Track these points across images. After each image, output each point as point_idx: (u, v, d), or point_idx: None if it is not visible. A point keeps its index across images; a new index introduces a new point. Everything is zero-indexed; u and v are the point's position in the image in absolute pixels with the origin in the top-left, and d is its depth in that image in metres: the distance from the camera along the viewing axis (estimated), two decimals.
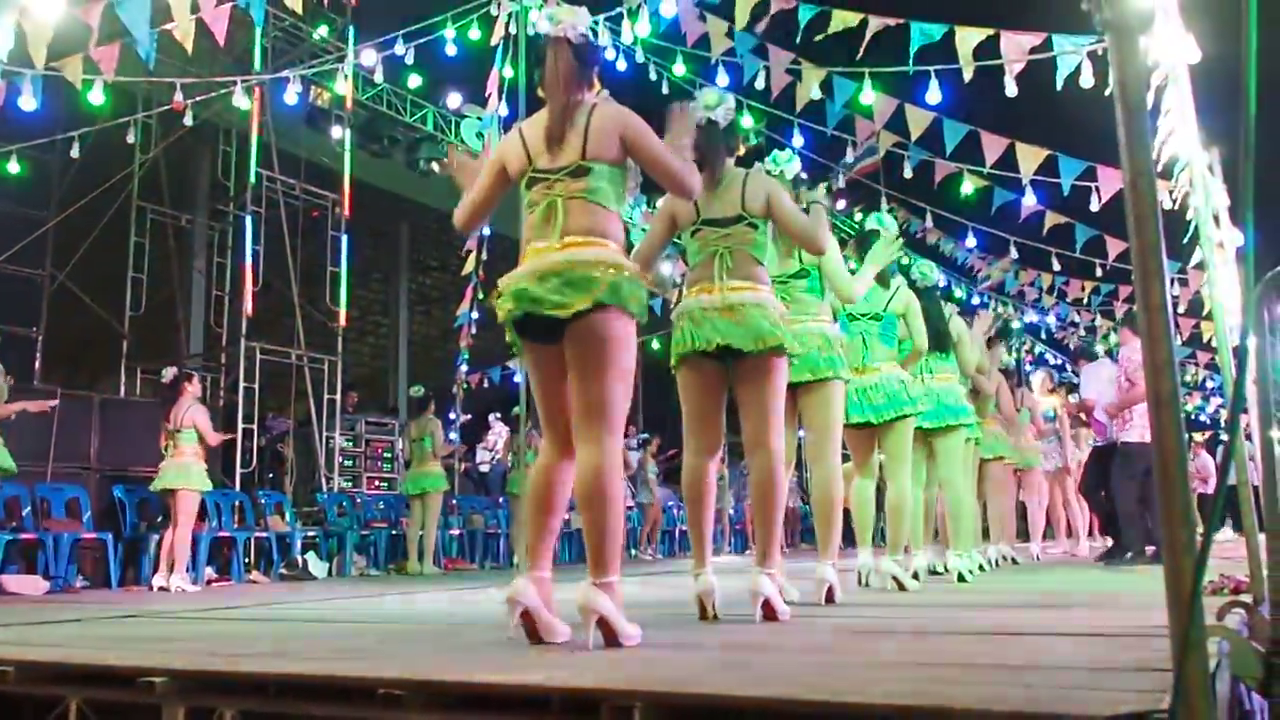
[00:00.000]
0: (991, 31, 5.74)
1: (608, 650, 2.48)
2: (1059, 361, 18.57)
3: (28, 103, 6.24)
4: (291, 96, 8.32)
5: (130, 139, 8.23)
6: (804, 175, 4.36)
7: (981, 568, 5.77)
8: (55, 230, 9.29)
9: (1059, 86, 5.66)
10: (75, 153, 7.83)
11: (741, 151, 3.65)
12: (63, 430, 7.67)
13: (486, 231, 10.27)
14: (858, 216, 4.72)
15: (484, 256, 10.49)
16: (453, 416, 11.67)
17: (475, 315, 10.93)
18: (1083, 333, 15.90)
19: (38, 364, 9.20)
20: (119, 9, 5.53)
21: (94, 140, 7.98)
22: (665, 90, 8.44)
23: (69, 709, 2.34)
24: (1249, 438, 6.15)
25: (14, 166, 7.81)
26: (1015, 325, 17.35)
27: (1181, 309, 12.71)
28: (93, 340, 10.54)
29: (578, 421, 2.69)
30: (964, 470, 5.61)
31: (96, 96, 6.92)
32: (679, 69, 8.20)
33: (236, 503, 8.62)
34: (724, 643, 2.73)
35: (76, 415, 7.94)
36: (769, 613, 3.20)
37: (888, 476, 4.86)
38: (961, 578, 5.22)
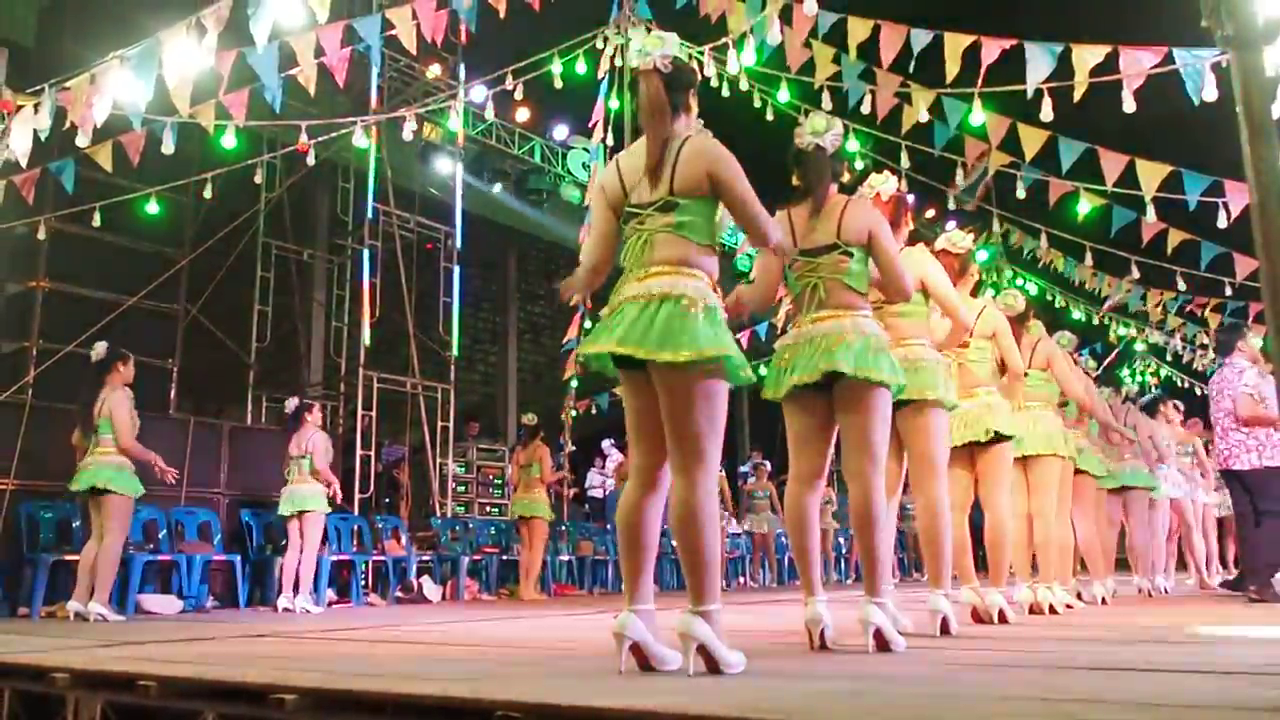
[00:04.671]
0: (1110, 49, 5.58)
1: (716, 678, 2.49)
2: (1187, 385, 17.79)
3: (167, 148, 6.61)
4: (407, 134, 8.61)
5: (257, 179, 8.63)
6: (910, 199, 4.28)
7: (1069, 605, 5.50)
8: (189, 267, 9.78)
9: (1196, 103, 5.44)
10: (208, 193, 8.24)
11: (846, 178, 3.61)
12: (195, 457, 8.05)
13: None
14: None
15: None
16: (562, 443, 11.83)
17: (582, 342, 11.07)
18: (1212, 355, 15.18)
19: (173, 394, 9.68)
20: (250, 57, 5.83)
21: (224, 181, 8.41)
22: (770, 117, 8.44)
23: None
24: None
25: (153, 208, 8.26)
26: (1139, 347, 16.74)
27: None
28: (222, 371, 11.04)
29: (671, 453, 2.70)
30: (1057, 501, 5.37)
31: (228, 140, 7.31)
32: (783, 95, 8.19)
33: (355, 527, 8.89)
34: (836, 673, 2.70)
35: (207, 442, 8.33)
36: (881, 643, 3.14)
37: (984, 504, 4.70)
38: (1053, 609, 5.04)
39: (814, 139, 3.42)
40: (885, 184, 4.11)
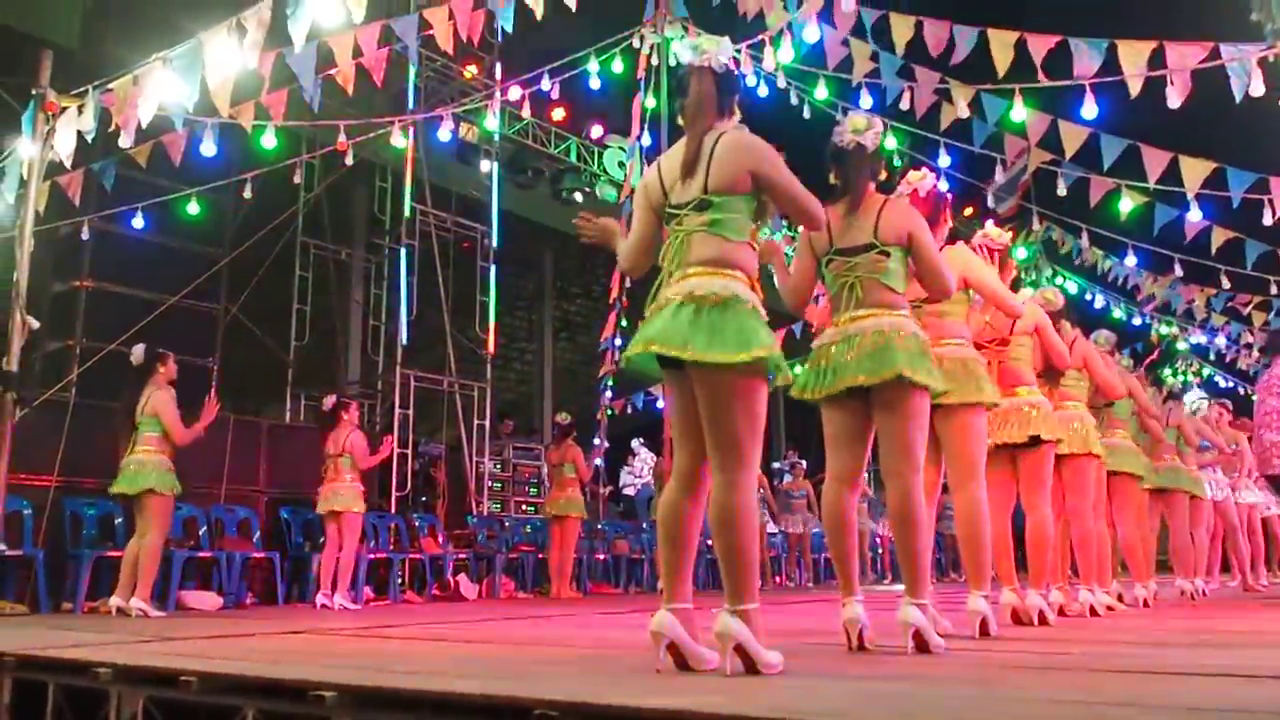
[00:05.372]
0: (1155, 44, 5.48)
1: (754, 678, 2.47)
2: (1230, 384, 17.50)
3: (208, 149, 6.70)
4: (444, 133, 8.65)
5: (296, 179, 8.71)
6: (949, 196, 4.22)
7: (1110, 607, 5.43)
8: (229, 266, 9.89)
9: (1238, 99, 5.34)
10: (247, 193, 8.34)
11: (883, 176, 3.57)
12: (234, 454, 8.14)
13: None
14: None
15: (627, 283, 10.63)
16: (596, 442, 11.83)
17: (619, 341, 11.08)
18: (1256, 354, 14.91)
19: (213, 394, 9.78)
20: (288, 58, 5.89)
21: (263, 181, 8.49)
22: (806, 115, 8.40)
23: (246, 718, 2.48)
24: None
25: (193, 208, 8.37)
26: (1181, 346, 16.48)
27: None
28: (261, 369, 11.15)
29: (710, 453, 2.69)
30: (1091, 501, 5.28)
31: (268, 140, 7.39)
32: (820, 93, 8.15)
33: (392, 525, 8.95)
34: (876, 674, 2.68)
35: (247, 440, 8.41)
36: (920, 644, 3.11)
37: (1026, 505, 4.65)
38: (1094, 612, 4.97)
39: (855, 137, 3.38)
40: (923, 181, 4.07)
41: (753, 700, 2.02)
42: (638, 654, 3.15)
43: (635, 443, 13.75)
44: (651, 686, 2.34)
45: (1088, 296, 15.04)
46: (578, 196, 13.44)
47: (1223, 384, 17.51)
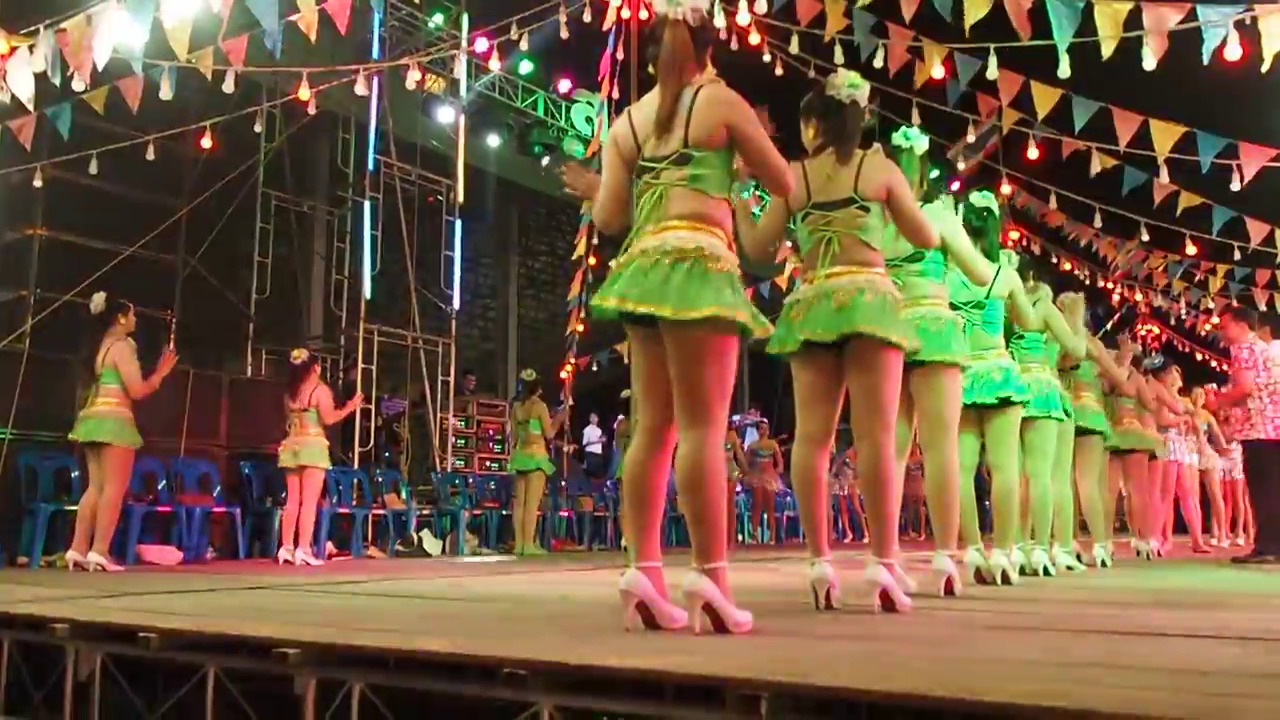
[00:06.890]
0: (1133, 5, 5.44)
1: (727, 637, 2.46)
2: (1187, 349, 17.77)
3: (165, 94, 6.50)
4: (410, 83, 8.46)
5: (257, 128, 8.49)
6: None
7: (1070, 567, 5.54)
8: (188, 217, 9.66)
9: (1206, 60, 5.33)
10: (206, 142, 8.12)
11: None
12: (195, 408, 8.01)
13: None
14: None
15: (595, 240, 10.54)
16: (561, 399, 11.78)
17: (585, 298, 11.00)
18: (1215, 320, 15.12)
19: (171, 345, 9.61)
20: (249, 1, 5.70)
21: (223, 130, 8.27)
22: (779, 70, 8.30)
23: (207, 675, 2.43)
24: None
25: (151, 156, 8.13)
26: (1143, 310, 16.68)
27: None
28: (221, 322, 10.94)
29: (678, 411, 2.65)
30: (1052, 463, 5.32)
31: (228, 87, 7.17)
32: (793, 47, 8.05)
33: (355, 481, 8.88)
34: (846, 634, 2.68)
35: (207, 394, 8.28)
36: (887, 603, 3.12)
37: (992, 466, 4.69)
38: (1047, 571, 5.04)
39: (853, 92, 3.35)
40: (918, 139, 4.04)
41: (728, 660, 2.00)
42: (604, 612, 3.14)
43: (625, 394, 13.49)
44: (621, 645, 2.31)
45: (1053, 259, 15.14)
46: (544, 152, 13.27)
47: (1180, 349, 17.78)
